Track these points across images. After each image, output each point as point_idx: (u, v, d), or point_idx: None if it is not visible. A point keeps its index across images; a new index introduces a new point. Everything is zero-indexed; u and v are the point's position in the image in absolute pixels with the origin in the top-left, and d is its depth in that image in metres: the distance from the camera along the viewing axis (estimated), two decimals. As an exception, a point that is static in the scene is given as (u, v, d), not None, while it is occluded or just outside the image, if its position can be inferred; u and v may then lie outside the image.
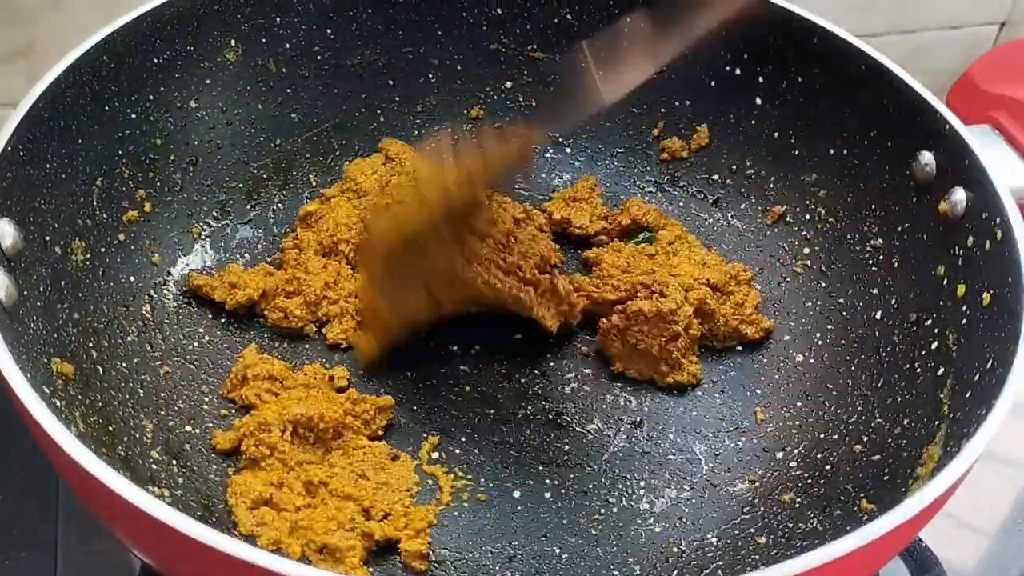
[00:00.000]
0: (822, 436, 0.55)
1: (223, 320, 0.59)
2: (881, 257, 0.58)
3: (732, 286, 0.60)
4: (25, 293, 0.47)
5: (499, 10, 0.67)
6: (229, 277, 0.59)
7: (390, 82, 0.67)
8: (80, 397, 0.48)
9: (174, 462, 0.51)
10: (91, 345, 0.52)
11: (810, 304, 0.61)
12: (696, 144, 0.67)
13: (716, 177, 0.67)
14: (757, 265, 0.64)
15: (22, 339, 0.45)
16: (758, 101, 0.64)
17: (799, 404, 0.57)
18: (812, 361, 0.59)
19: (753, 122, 0.65)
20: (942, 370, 0.50)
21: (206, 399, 0.55)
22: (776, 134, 0.64)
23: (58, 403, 0.45)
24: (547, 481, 0.54)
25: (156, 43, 0.58)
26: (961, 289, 0.51)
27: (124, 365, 0.53)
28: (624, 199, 0.66)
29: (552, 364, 0.59)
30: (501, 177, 0.56)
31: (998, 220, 0.50)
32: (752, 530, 0.51)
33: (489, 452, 0.54)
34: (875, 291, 0.58)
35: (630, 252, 0.62)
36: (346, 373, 0.56)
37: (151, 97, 0.58)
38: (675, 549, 0.51)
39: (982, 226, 0.51)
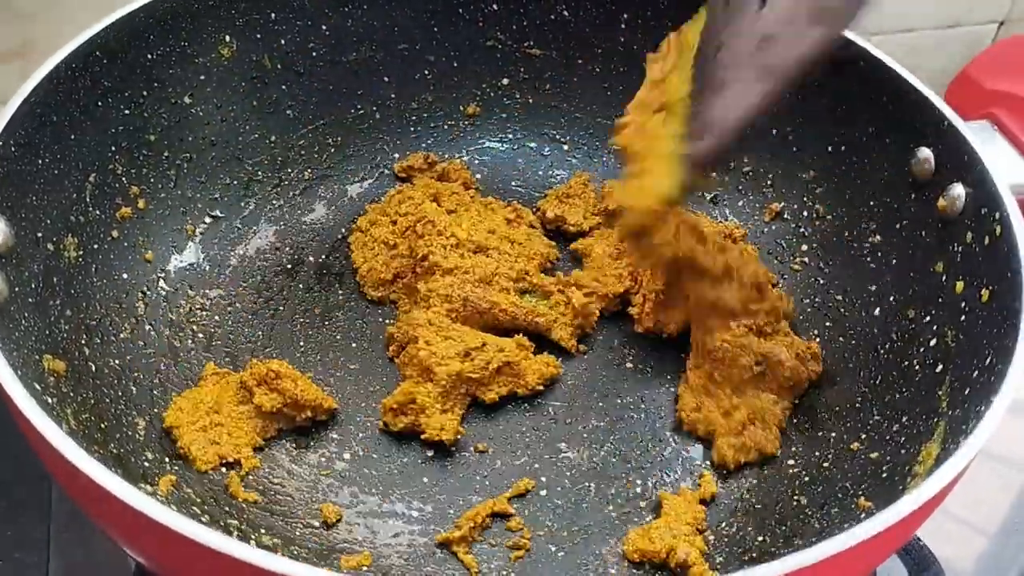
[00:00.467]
0: (820, 434, 0.55)
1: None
2: (879, 254, 0.58)
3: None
4: (16, 290, 0.47)
5: (495, 6, 0.66)
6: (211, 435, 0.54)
7: (385, 79, 0.67)
8: (72, 394, 0.48)
9: (167, 460, 0.51)
10: (83, 342, 0.51)
11: (808, 301, 0.61)
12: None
13: (713, 174, 0.67)
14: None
15: (13, 336, 0.45)
16: (756, 98, 0.64)
17: (797, 401, 0.57)
18: (810, 358, 0.59)
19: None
20: (940, 367, 0.50)
21: (200, 397, 0.55)
22: (774, 131, 0.64)
23: (49, 400, 0.45)
24: (543, 479, 0.53)
25: (150, 38, 0.58)
26: (960, 285, 0.51)
27: (116, 362, 0.53)
28: (604, 182, 0.66)
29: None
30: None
31: (996, 216, 0.50)
32: (750, 527, 0.51)
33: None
34: (873, 288, 0.58)
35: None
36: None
37: (145, 93, 0.58)
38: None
39: (981, 222, 0.51)
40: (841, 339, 0.58)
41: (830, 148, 0.61)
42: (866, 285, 0.58)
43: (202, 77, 0.61)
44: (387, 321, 0.60)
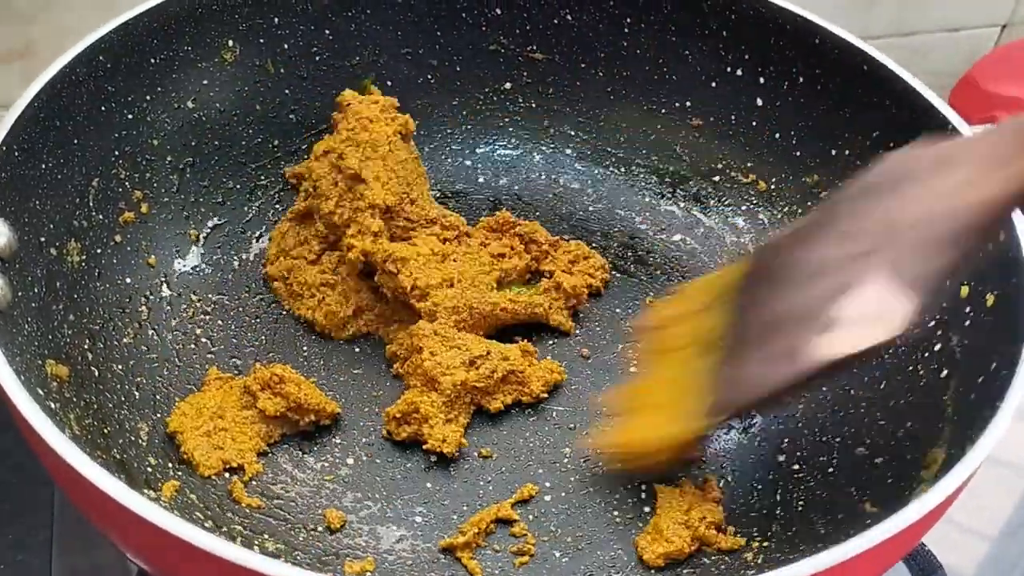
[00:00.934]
0: (825, 439, 0.54)
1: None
2: (883, 258, 0.58)
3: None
4: (19, 294, 0.47)
5: (498, 11, 0.66)
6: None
7: (388, 83, 0.67)
8: (75, 399, 0.48)
9: (170, 465, 0.51)
10: (86, 347, 0.51)
11: (812, 306, 0.61)
12: (697, 146, 0.67)
13: (717, 179, 0.67)
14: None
15: (16, 341, 0.45)
16: (759, 102, 0.64)
17: (801, 406, 0.57)
18: (814, 363, 0.58)
19: (754, 123, 0.64)
20: (946, 372, 0.50)
21: (203, 402, 0.54)
22: (778, 135, 0.64)
23: (52, 405, 0.45)
24: (546, 485, 0.53)
25: (153, 43, 0.58)
26: (965, 290, 0.51)
27: (120, 367, 0.53)
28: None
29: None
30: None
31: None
32: (755, 532, 0.51)
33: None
34: (877, 293, 0.58)
35: None
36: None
37: (148, 97, 0.58)
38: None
39: (986, 227, 0.50)
40: (845, 344, 0.58)
41: (833, 152, 0.61)
42: (870, 290, 0.58)
43: (205, 81, 0.61)
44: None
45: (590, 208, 0.67)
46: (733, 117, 0.65)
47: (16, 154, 0.49)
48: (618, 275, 0.64)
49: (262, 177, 0.64)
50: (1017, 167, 0.38)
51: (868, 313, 0.42)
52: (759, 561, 0.49)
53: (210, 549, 0.36)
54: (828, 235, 0.45)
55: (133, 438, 0.50)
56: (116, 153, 0.56)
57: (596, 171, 0.69)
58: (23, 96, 0.50)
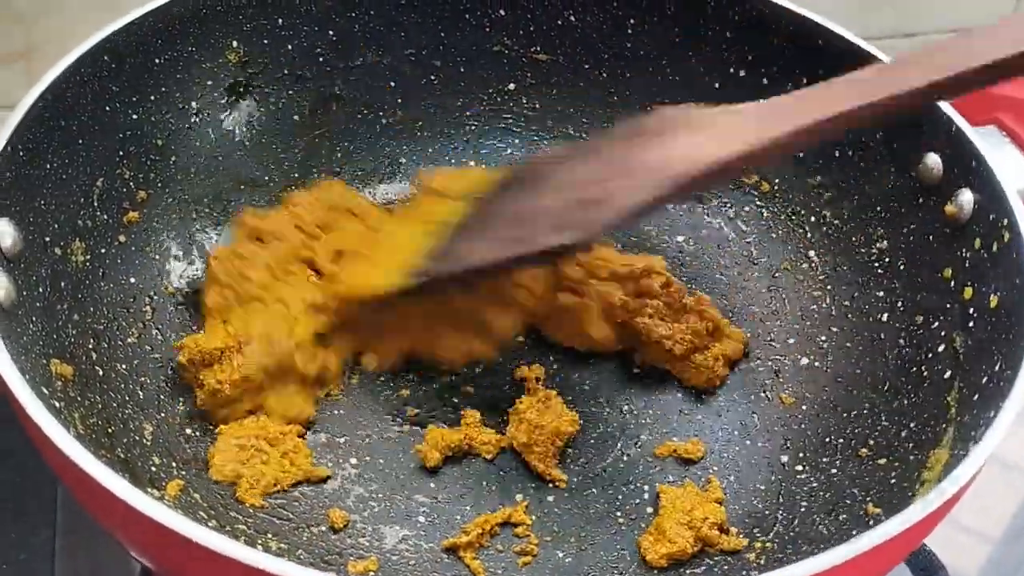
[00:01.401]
0: (828, 440, 0.54)
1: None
2: (887, 259, 0.58)
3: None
4: (24, 294, 0.47)
5: (502, 11, 0.66)
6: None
7: (392, 84, 0.67)
8: (79, 399, 0.48)
9: (174, 464, 0.51)
10: (91, 346, 0.51)
11: (815, 307, 0.61)
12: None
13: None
14: (762, 268, 0.63)
15: (21, 340, 0.45)
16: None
17: (804, 407, 0.57)
18: (817, 364, 0.58)
19: (757, 124, 0.64)
20: (949, 373, 0.50)
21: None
22: (780, 136, 0.64)
23: (57, 404, 0.45)
24: (550, 485, 0.53)
25: (158, 43, 0.58)
26: (968, 291, 0.51)
27: (124, 367, 0.53)
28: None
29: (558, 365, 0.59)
30: None
31: (1005, 222, 0.50)
32: (757, 533, 0.51)
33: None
34: (881, 293, 0.58)
35: None
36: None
37: (152, 97, 0.58)
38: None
39: (989, 228, 0.51)
40: (848, 345, 0.58)
41: (837, 153, 0.61)
42: (874, 291, 0.58)
43: (209, 82, 0.61)
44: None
45: (593, 209, 0.67)
46: (736, 118, 0.65)
47: (21, 154, 0.49)
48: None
49: (265, 176, 0.64)
50: (741, 141, 0.47)
51: (582, 219, 0.50)
52: (762, 562, 0.49)
53: (214, 548, 0.36)
54: (583, 162, 0.53)
55: (137, 437, 0.51)
56: (120, 153, 0.57)
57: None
58: (27, 96, 0.50)
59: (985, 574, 0.60)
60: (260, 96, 0.64)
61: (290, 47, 0.64)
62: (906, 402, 0.52)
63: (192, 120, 0.61)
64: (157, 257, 0.58)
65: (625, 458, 0.55)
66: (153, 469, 0.50)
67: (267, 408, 0.53)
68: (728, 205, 0.66)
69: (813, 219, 0.63)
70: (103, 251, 0.55)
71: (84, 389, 0.49)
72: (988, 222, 0.51)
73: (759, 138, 0.47)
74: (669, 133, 0.50)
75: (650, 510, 0.52)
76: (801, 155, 0.63)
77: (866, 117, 0.47)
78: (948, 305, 0.52)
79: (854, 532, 0.39)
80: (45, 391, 0.44)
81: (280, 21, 0.63)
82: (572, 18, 0.67)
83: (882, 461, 0.51)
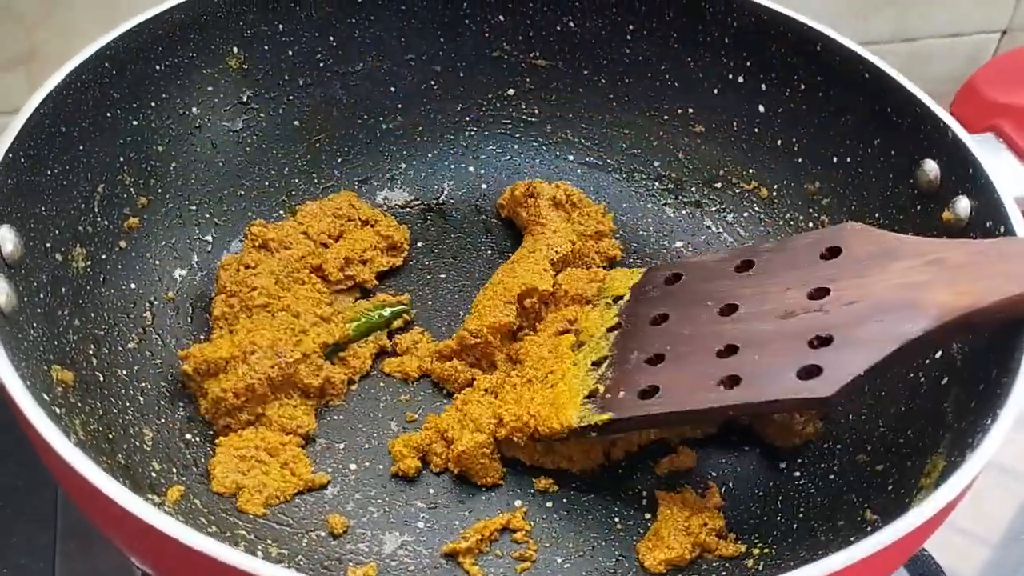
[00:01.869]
0: (826, 446, 0.55)
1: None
2: (885, 266, 0.58)
3: None
4: (25, 300, 0.47)
5: (502, 17, 0.67)
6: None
7: (392, 89, 0.67)
8: (80, 404, 0.48)
9: (174, 470, 0.51)
10: (91, 352, 0.52)
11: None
12: (699, 152, 0.67)
13: (719, 185, 0.67)
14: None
15: (22, 346, 0.45)
16: (761, 109, 0.64)
17: (802, 414, 0.57)
18: (815, 370, 0.58)
19: (756, 130, 0.65)
20: (946, 379, 0.50)
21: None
22: (779, 142, 0.64)
23: (57, 410, 0.45)
24: (549, 491, 0.54)
25: (158, 50, 0.58)
26: (965, 298, 0.51)
27: (124, 372, 0.53)
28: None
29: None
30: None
31: (1002, 229, 0.50)
32: (756, 539, 0.51)
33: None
34: (879, 300, 0.58)
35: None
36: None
37: (153, 104, 0.58)
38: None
39: (987, 235, 0.51)
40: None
41: (835, 160, 0.61)
42: (871, 297, 0.58)
43: (210, 88, 0.61)
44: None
45: (592, 214, 0.68)
46: (735, 124, 0.65)
47: (22, 160, 0.49)
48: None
49: (265, 182, 0.64)
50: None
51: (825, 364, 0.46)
52: (760, 568, 0.49)
53: (213, 554, 0.36)
54: (775, 279, 0.49)
55: (138, 443, 0.51)
56: (121, 159, 0.57)
57: (598, 177, 0.69)
58: (29, 103, 0.50)
59: (982, 577, 0.60)
60: (260, 102, 0.64)
61: (290, 53, 0.64)
62: (903, 409, 0.52)
63: (193, 126, 0.61)
64: (158, 263, 0.59)
65: (624, 465, 0.55)
66: (153, 475, 0.50)
67: (268, 418, 0.53)
68: (727, 210, 0.67)
69: (811, 225, 0.63)
70: (104, 257, 0.55)
71: (85, 395, 0.49)
72: (985, 229, 0.51)
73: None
74: (889, 260, 0.46)
75: (648, 516, 0.53)
76: (798, 161, 0.63)
77: None
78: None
79: (852, 538, 0.39)
80: (46, 397, 0.44)
81: (280, 27, 0.63)
82: (571, 24, 0.67)
83: (880, 467, 0.51)
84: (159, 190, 0.59)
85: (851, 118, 0.60)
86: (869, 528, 0.47)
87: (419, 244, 0.66)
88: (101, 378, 0.51)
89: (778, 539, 0.51)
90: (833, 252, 0.50)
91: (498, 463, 0.53)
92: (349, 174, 0.67)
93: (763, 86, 0.64)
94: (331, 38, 0.65)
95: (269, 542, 0.49)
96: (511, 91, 0.69)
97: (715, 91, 0.65)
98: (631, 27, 0.66)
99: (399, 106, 0.68)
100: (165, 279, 0.59)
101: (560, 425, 0.51)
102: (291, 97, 0.65)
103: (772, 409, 0.48)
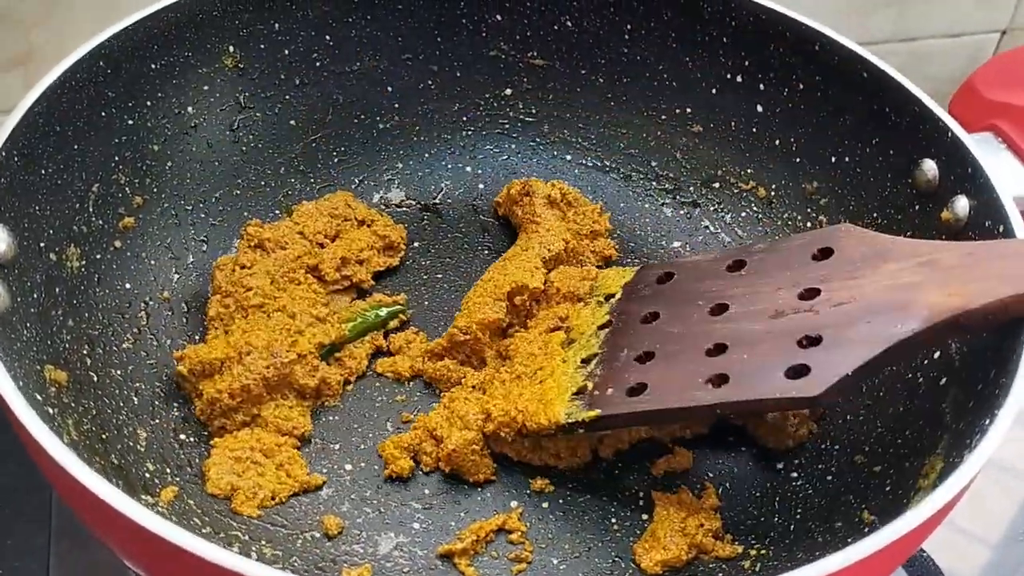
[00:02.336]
0: (824, 447, 0.54)
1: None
2: (883, 266, 0.58)
3: None
4: (19, 300, 0.47)
5: (499, 17, 0.66)
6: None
7: (388, 89, 0.67)
8: (73, 405, 0.48)
9: (168, 471, 0.51)
10: (85, 352, 0.51)
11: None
12: (697, 152, 0.67)
13: (717, 185, 0.67)
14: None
15: (15, 346, 0.45)
16: (759, 109, 0.64)
17: (796, 416, 0.57)
18: (813, 370, 0.58)
19: (754, 130, 0.65)
20: (944, 380, 0.50)
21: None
22: (777, 142, 0.64)
23: (50, 411, 0.45)
24: (545, 492, 0.53)
25: (154, 48, 0.58)
26: (964, 298, 0.51)
27: (119, 373, 0.53)
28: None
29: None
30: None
31: (1000, 228, 0.50)
32: (752, 540, 0.51)
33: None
34: (877, 300, 0.57)
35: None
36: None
37: (148, 103, 0.58)
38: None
39: (985, 234, 0.51)
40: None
41: (833, 159, 0.61)
42: (870, 297, 0.58)
43: (205, 87, 0.61)
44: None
45: (590, 214, 0.67)
46: (733, 123, 0.65)
47: (16, 159, 0.49)
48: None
49: (261, 182, 0.64)
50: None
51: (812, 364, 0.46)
52: (756, 569, 0.49)
53: (206, 556, 0.36)
54: (765, 278, 0.49)
55: (132, 443, 0.50)
56: (116, 158, 0.57)
57: (596, 177, 0.69)
58: (23, 101, 0.50)
59: (982, 578, 0.60)
60: (256, 101, 0.63)
61: (287, 52, 0.64)
62: (902, 409, 0.52)
63: (188, 125, 0.61)
64: (153, 263, 0.58)
65: (620, 464, 0.55)
66: (147, 475, 0.50)
67: (264, 419, 0.53)
68: (725, 210, 0.66)
69: (809, 225, 0.63)
70: (98, 257, 0.55)
71: (78, 395, 0.49)
72: (984, 228, 0.51)
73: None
74: (881, 261, 0.46)
75: (645, 517, 0.52)
76: (797, 160, 0.63)
77: None
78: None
79: (849, 540, 0.38)
80: (39, 397, 0.44)
81: (276, 26, 0.63)
82: (569, 23, 0.67)
83: (878, 468, 0.51)
84: (154, 190, 0.59)
85: (850, 118, 0.60)
86: (867, 529, 0.47)
87: (416, 244, 0.65)
88: (95, 378, 0.51)
89: (775, 540, 0.50)
90: (825, 253, 0.50)
91: (489, 459, 0.53)
92: (345, 174, 0.67)
93: (761, 86, 0.63)
94: (327, 37, 0.64)
95: (263, 543, 0.49)
96: (508, 91, 0.69)
97: (713, 91, 0.65)
98: (629, 27, 0.66)
99: (396, 106, 0.67)
100: (160, 279, 0.58)
101: (547, 421, 0.51)
102: (287, 96, 0.64)
103: (760, 408, 0.48)
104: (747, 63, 0.63)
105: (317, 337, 0.56)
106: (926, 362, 0.52)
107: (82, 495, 0.38)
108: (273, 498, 0.51)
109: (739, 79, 0.64)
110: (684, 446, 0.55)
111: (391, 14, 0.65)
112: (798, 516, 0.51)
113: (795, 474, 0.54)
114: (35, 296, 0.49)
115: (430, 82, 0.68)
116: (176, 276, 0.59)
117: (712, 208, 0.67)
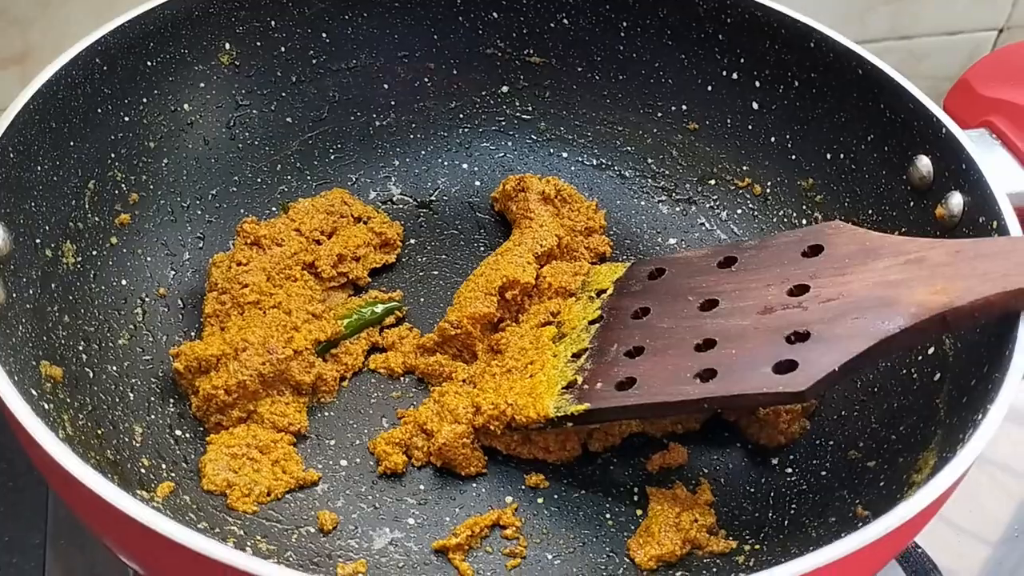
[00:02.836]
0: (818, 442, 0.54)
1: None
2: (877, 262, 0.58)
3: None
4: (14, 296, 0.47)
5: (495, 14, 0.67)
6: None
7: (385, 86, 0.67)
8: (69, 400, 0.48)
9: (164, 466, 0.51)
10: (81, 348, 0.51)
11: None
12: (693, 149, 0.67)
13: (712, 182, 0.67)
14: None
15: (10, 342, 0.45)
16: (755, 106, 0.64)
17: (787, 412, 0.57)
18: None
19: (750, 127, 0.65)
20: (938, 375, 0.50)
21: (197, 403, 0.54)
22: (773, 139, 0.64)
23: (46, 406, 0.45)
24: (540, 488, 0.53)
25: (150, 45, 0.58)
26: (958, 294, 0.51)
27: (114, 368, 0.53)
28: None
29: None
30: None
31: (994, 225, 0.50)
32: (746, 535, 0.51)
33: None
34: (871, 296, 0.58)
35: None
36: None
37: (144, 100, 0.58)
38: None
39: (978, 231, 0.51)
40: (839, 347, 0.58)
41: (828, 156, 0.61)
42: (864, 293, 0.58)
43: (202, 84, 0.61)
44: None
45: (586, 211, 0.68)
46: (728, 121, 0.65)
47: (12, 156, 0.49)
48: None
49: (257, 179, 0.64)
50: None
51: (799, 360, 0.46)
52: (750, 564, 0.49)
53: (202, 551, 0.36)
54: (755, 276, 0.50)
55: (127, 439, 0.51)
56: (112, 155, 0.57)
57: (592, 174, 0.69)
58: (19, 98, 0.50)
59: (980, 575, 0.60)
60: (253, 98, 0.64)
61: (283, 49, 0.64)
62: (896, 404, 0.52)
63: (185, 122, 0.61)
64: (149, 259, 0.58)
65: (615, 461, 0.55)
66: (143, 471, 0.50)
67: (260, 416, 0.53)
68: (720, 207, 0.66)
69: (804, 221, 0.63)
70: (94, 253, 0.55)
71: (74, 391, 0.49)
72: (978, 225, 0.51)
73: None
74: (870, 258, 0.46)
75: (639, 512, 0.52)
76: (792, 158, 0.63)
77: None
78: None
79: (843, 534, 0.39)
80: (34, 393, 0.44)
81: (273, 23, 0.63)
82: (565, 21, 0.67)
83: (871, 464, 0.51)
84: (150, 186, 0.59)
85: (844, 114, 0.60)
86: (861, 523, 0.47)
87: (412, 241, 0.65)
88: (91, 374, 0.51)
89: (769, 535, 0.50)
90: (815, 250, 0.50)
91: (480, 452, 0.53)
92: (342, 171, 0.67)
93: (757, 83, 0.63)
94: (324, 35, 0.65)
95: (258, 538, 0.49)
96: (505, 88, 0.69)
97: (709, 88, 0.65)
98: (625, 24, 0.66)
99: (392, 103, 0.67)
100: (156, 276, 0.58)
101: (536, 414, 0.51)
102: (284, 94, 0.64)
103: (747, 403, 0.48)
104: (742, 60, 0.64)
105: (313, 334, 0.56)
106: (920, 358, 0.52)
107: (78, 490, 0.38)
108: (269, 494, 0.51)
109: (734, 76, 0.64)
110: (679, 442, 0.55)
111: (387, 11, 0.65)
112: (792, 511, 0.51)
113: (789, 469, 0.54)
114: (31, 292, 0.49)
115: (426, 79, 0.68)
116: (172, 273, 0.59)
117: (708, 205, 0.67)
